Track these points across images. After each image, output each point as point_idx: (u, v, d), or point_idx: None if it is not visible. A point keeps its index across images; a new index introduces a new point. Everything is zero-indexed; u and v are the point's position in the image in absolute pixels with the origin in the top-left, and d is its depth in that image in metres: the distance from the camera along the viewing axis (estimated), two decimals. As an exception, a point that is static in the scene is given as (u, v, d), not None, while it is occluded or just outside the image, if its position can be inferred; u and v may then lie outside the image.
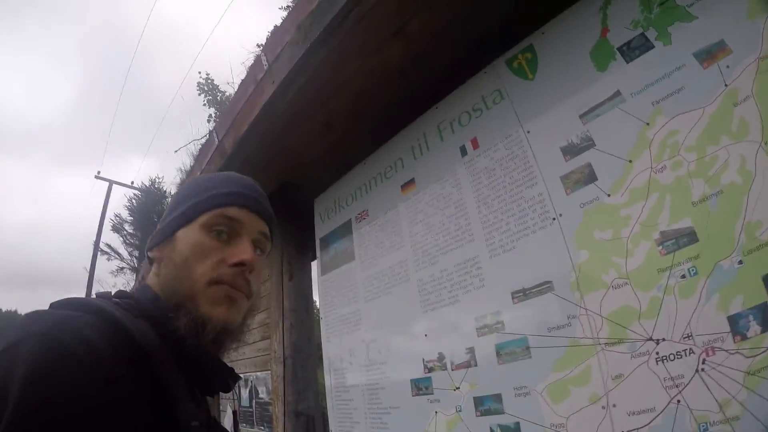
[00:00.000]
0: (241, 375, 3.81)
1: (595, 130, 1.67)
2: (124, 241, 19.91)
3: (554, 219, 1.71)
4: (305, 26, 2.03)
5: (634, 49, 1.61)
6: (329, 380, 2.67)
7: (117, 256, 19.89)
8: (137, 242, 19.37)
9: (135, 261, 19.45)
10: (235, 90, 2.83)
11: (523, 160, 1.88)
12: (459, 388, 1.90)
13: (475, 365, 1.87)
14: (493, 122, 2.04)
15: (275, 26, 2.53)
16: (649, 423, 1.35)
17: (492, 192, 1.97)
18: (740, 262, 1.27)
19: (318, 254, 3.00)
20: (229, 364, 0.93)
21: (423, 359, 2.09)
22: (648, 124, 1.53)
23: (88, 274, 19.93)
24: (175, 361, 0.74)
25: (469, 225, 2.03)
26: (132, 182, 21.59)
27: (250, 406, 3.79)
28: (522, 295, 1.76)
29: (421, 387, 2.09)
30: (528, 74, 1.93)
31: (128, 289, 1.01)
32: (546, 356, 1.63)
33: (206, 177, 1.01)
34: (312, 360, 2.98)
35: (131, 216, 19.71)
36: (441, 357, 2.01)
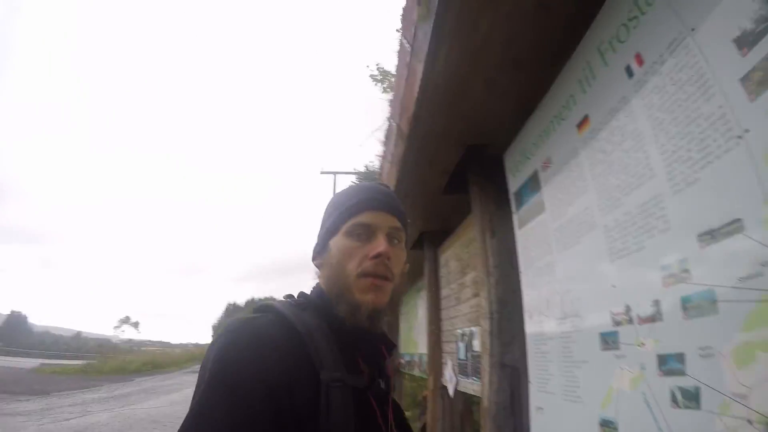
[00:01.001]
0: (460, 330, 4.25)
1: None
2: None
3: (740, 137, 1.37)
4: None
5: None
6: (529, 332, 2.71)
7: None
8: None
9: None
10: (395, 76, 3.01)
11: (694, 68, 1.54)
12: (644, 344, 1.73)
13: (661, 320, 1.67)
14: (653, 28, 1.73)
15: (402, 7, 2.57)
16: None
17: (667, 115, 1.67)
18: None
19: (514, 208, 3.01)
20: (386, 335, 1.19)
21: (611, 311, 1.95)
22: None
23: None
24: (335, 340, 1.00)
25: (648, 158, 1.77)
26: (354, 169, 24.05)
27: (465, 359, 4.09)
28: (709, 237, 1.48)
29: (608, 341, 1.97)
30: None
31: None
32: (734, 312, 1.37)
33: (342, 192, 1.24)
34: (518, 313, 2.97)
35: None
36: (627, 309, 1.84)
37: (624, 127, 1.91)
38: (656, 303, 1.69)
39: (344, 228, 1.12)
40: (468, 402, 5.59)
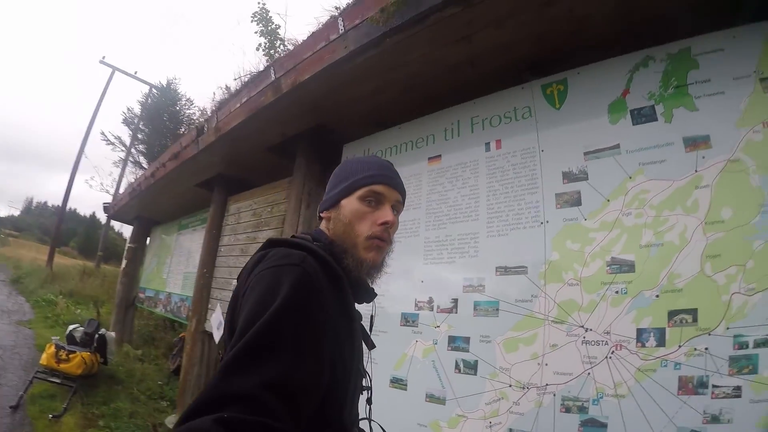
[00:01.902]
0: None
1: (591, 167, 2.30)
2: (132, 135, 20.01)
3: (542, 223, 2.38)
4: (388, 11, 2.48)
5: (642, 115, 2.22)
6: (374, 306, 3.22)
7: (123, 147, 20.23)
8: (144, 138, 19.54)
9: (139, 156, 19.62)
10: (303, 39, 3.26)
11: (531, 171, 2.50)
12: (439, 326, 2.61)
13: (456, 313, 2.57)
14: (517, 132, 2.63)
15: (358, -1, 2.91)
16: (566, 382, 2.11)
17: (501, 187, 2.59)
18: (657, 296, 1.98)
19: None
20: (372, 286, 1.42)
21: (416, 299, 2.78)
22: (630, 177, 2.17)
23: (75, 157, 21.29)
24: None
25: (478, 207, 2.66)
26: (136, 72, 21.57)
27: None
28: (503, 270, 2.44)
29: (408, 320, 2.79)
30: (556, 103, 2.52)
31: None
32: (508, 318, 2.35)
33: (357, 161, 1.42)
34: None
35: (143, 111, 19.72)
36: (430, 300, 2.70)
37: (468, 179, 2.77)
38: (455, 301, 2.59)
39: (359, 192, 1.32)
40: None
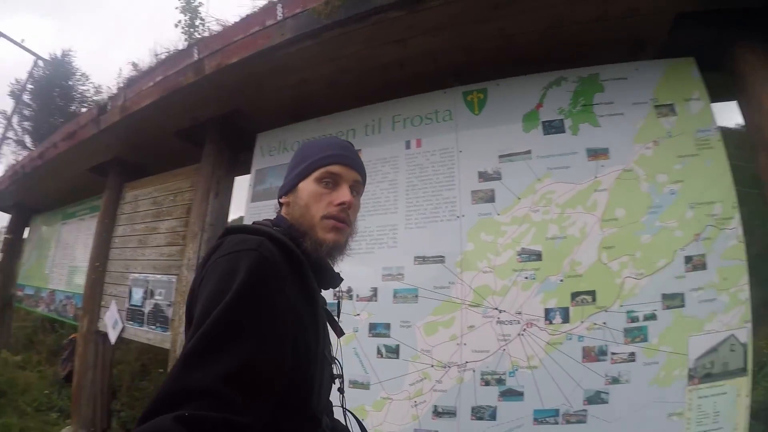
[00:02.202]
0: (140, 275, 4.19)
1: (505, 169, 2.56)
2: (14, 109, 17.38)
3: (458, 217, 2.59)
4: (333, 5, 2.51)
5: (552, 127, 2.54)
6: (340, 291, 3.12)
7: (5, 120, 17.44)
8: (33, 114, 17.07)
9: (24, 135, 17.12)
10: (235, 21, 3.14)
11: (449, 169, 2.71)
12: (359, 314, 2.71)
13: (376, 301, 2.69)
14: (438, 132, 2.83)
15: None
16: (484, 359, 2.34)
17: (420, 183, 2.77)
18: (561, 281, 2.30)
19: (252, 182, 3.53)
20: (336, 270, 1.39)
21: (332, 290, 2.87)
22: (539, 179, 2.46)
23: None
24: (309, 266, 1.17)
25: (397, 200, 2.81)
26: (23, 40, 18.63)
27: (142, 306, 4.13)
28: (422, 260, 2.61)
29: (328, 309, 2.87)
30: (475, 109, 2.75)
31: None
32: (428, 304, 2.52)
33: (315, 142, 1.40)
34: None
35: (33, 85, 17.09)
36: (349, 290, 2.79)
37: (387, 174, 2.91)
38: (374, 290, 2.71)
39: (315, 174, 1.29)
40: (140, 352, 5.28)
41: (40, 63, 17.18)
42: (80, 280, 5.29)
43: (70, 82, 16.90)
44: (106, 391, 4.93)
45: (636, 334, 2.19)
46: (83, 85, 17.11)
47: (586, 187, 2.41)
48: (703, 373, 2.13)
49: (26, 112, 17.00)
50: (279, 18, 2.76)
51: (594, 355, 2.21)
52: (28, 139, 16.68)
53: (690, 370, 2.14)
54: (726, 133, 2.40)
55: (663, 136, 2.40)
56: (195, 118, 3.81)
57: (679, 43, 2.54)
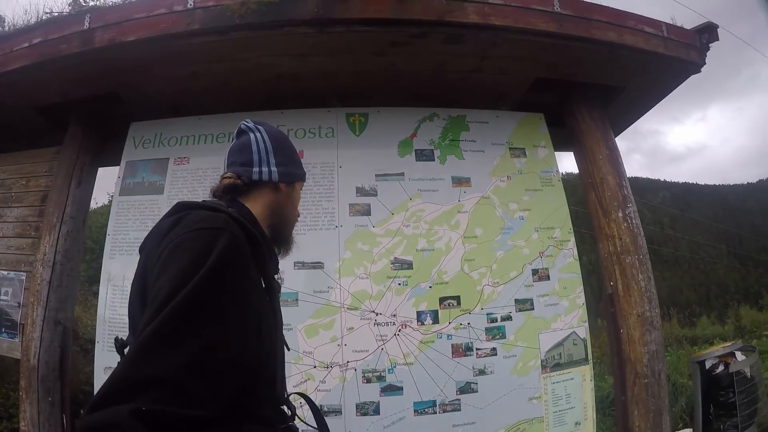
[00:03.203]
0: None
1: (380, 187, 2.73)
2: None
3: (336, 227, 2.68)
4: (249, 6, 2.40)
5: (424, 155, 2.79)
6: (104, 293, 2.82)
7: None
8: None
9: None
10: None
11: (330, 182, 2.79)
12: None
13: (255, 305, 2.64)
14: (319, 147, 2.89)
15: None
16: (364, 358, 2.45)
17: (301, 192, 2.79)
18: (430, 287, 2.52)
19: (121, 174, 3.10)
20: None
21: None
22: (411, 198, 2.68)
23: None
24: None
25: (281, 212, 2.81)
26: None
27: None
28: (301, 265, 2.63)
29: None
30: (356, 131, 2.89)
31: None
32: (308, 307, 2.55)
33: (293, 147, 1.41)
34: (76, 271, 3.05)
35: None
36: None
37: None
38: (254, 292, 2.65)
39: (300, 186, 1.40)
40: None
41: None
42: None
43: None
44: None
45: (496, 332, 2.50)
46: None
47: (450, 208, 2.68)
48: (553, 363, 2.53)
49: None
50: (189, 6, 2.54)
51: (462, 351, 2.46)
52: None
53: (542, 361, 2.52)
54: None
55: (515, 172, 2.81)
56: (66, 93, 3.17)
57: (533, 101, 3.00)
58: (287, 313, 2.45)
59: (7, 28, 3.13)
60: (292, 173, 1.33)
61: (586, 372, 2.55)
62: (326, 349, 2.48)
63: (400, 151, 2.82)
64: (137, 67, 2.85)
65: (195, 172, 2.96)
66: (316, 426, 1.38)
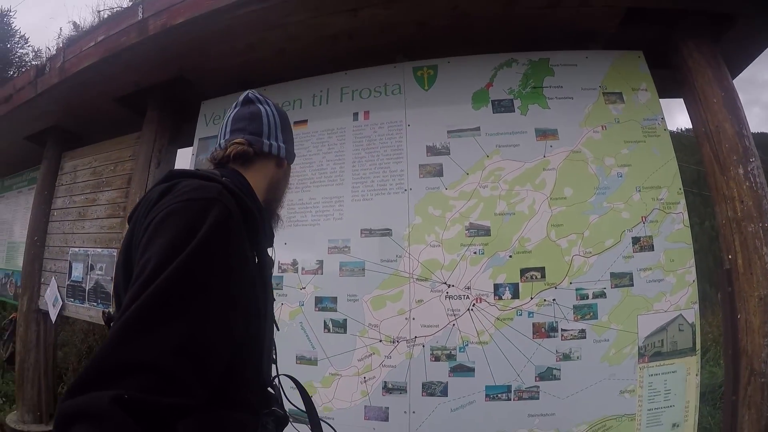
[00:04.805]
0: (80, 250, 3.58)
1: (453, 144, 2.29)
2: None
3: (406, 190, 2.29)
4: None
5: (502, 106, 2.29)
6: (274, 251, 2.78)
7: None
8: None
9: None
10: None
11: (398, 142, 2.40)
12: (305, 288, 2.36)
13: (321, 274, 2.35)
14: (386, 106, 2.50)
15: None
16: (434, 334, 2.08)
17: (367, 155, 2.44)
18: (510, 256, 2.06)
19: (194, 151, 3.06)
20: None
21: (278, 261, 2.47)
22: (488, 156, 2.21)
23: None
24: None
25: (343, 172, 2.47)
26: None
27: (82, 282, 3.50)
28: (368, 232, 2.30)
29: (273, 282, 2.46)
30: (425, 85, 2.45)
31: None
32: (375, 278, 2.22)
33: (290, 126, 1.29)
34: None
35: None
36: (294, 263, 2.43)
37: (334, 145, 2.55)
38: (320, 262, 2.37)
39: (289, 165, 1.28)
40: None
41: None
42: (19, 257, 4.46)
43: (8, 45, 14.62)
44: (51, 373, 4.14)
45: (585, 311, 1.99)
46: (22, 47, 14.86)
47: (534, 166, 2.18)
48: (653, 352, 1.98)
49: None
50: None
51: (544, 331, 1.99)
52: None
53: (640, 348, 1.98)
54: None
55: (611, 121, 2.22)
56: (137, 83, 3.24)
57: (629, 37, 2.37)
58: (354, 283, 2.17)
59: (77, 32, 3.29)
60: (293, 153, 1.29)
61: (691, 365, 1.97)
62: (393, 322, 2.14)
63: (475, 103, 2.33)
64: (193, 48, 2.78)
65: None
66: (304, 409, 1.28)
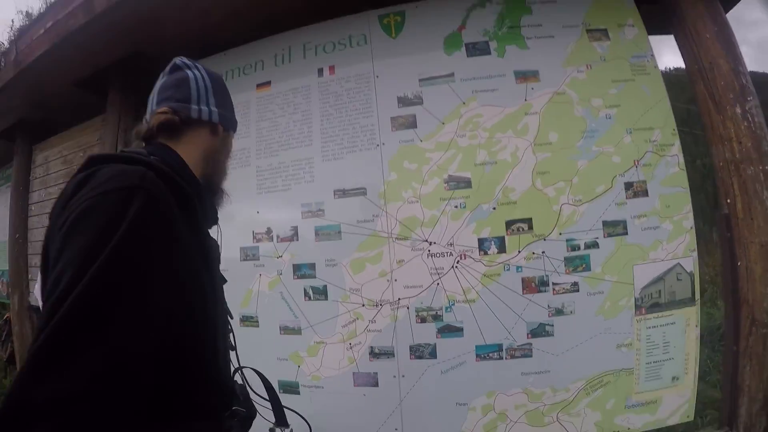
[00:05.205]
0: None
1: (426, 93, 2.08)
2: None
3: (378, 145, 2.09)
4: None
5: (477, 49, 2.06)
6: (219, 232, 2.58)
7: None
8: None
9: None
10: None
11: (366, 96, 2.18)
12: (281, 256, 2.17)
13: (297, 240, 2.16)
14: (352, 58, 2.27)
15: None
16: (418, 294, 1.92)
17: (335, 112, 2.23)
18: (494, 208, 1.88)
19: None
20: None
21: (253, 231, 2.28)
22: (464, 103, 2.01)
23: None
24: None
25: (311, 132, 2.26)
26: None
27: None
28: (342, 193, 2.11)
29: (249, 254, 2.28)
30: (392, 33, 2.21)
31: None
32: (352, 240, 2.03)
33: (227, 92, 1.14)
34: None
35: None
36: (269, 231, 2.24)
37: (299, 104, 2.33)
38: (295, 228, 2.17)
39: (232, 134, 1.13)
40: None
41: None
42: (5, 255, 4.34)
43: None
44: (52, 368, 3.98)
45: (578, 263, 1.83)
46: None
47: (515, 111, 1.97)
48: (651, 303, 1.83)
49: None
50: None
51: (534, 286, 1.83)
52: None
53: (636, 300, 1.83)
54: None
55: (596, 59, 2.02)
56: (95, 65, 3.01)
57: None
58: (331, 248, 1.94)
59: (29, 21, 3.14)
60: (230, 119, 1.11)
61: (691, 315, 1.81)
62: (375, 285, 1.97)
63: (447, 48, 2.11)
64: (144, 21, 2.57)
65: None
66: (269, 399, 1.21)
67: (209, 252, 0.87)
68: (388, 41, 2.21)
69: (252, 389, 1.12)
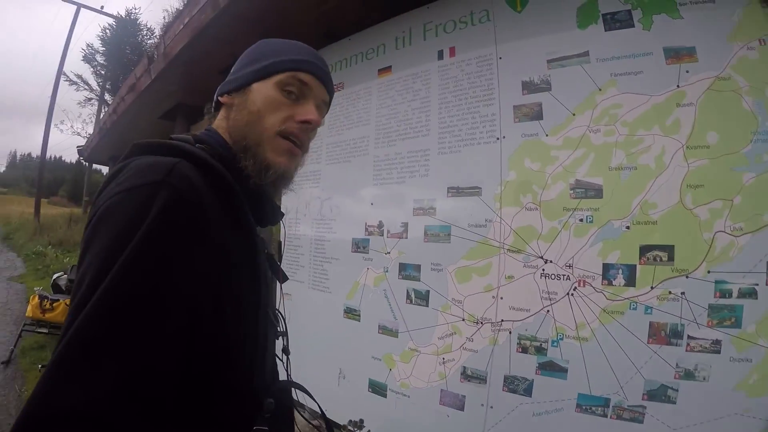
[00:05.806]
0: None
1: (555, 76, 1.73)
2: (95, 72, 17.37)
3: (498, 139, 1.83)
4: None
5: (616, 21, 1.62)
6: (283, 229, 2.72)
7: (86, 86, 17.64)
8: (108, 73, 16.79)
9: (104, 92, 17.14)
10: None
11: (488, 81, 1.91)
12: (389, 252, 2.12)
13: (406, 238, 2.07)
14: (473, 38, 1.99)
15: None
16: (523, 319, 1.68)
17: (454, 99, 2.01)
18: (627, 227, 1.51)
19: None
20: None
21: (365, 223, 2.26)
22: (600, 90, 1.62)
23: (49, 103, 17.25)
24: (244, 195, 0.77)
25: (428, 121, 2.08)
26: (102, 7, 18.21)
27: None
28: (456, 191, 1.93)
29: (359, 246, 2.28)
30: (518, 6, 1.87)
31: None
32: (461, 245, 1.87)
33: (281, 41, 0.94)
34: None
35: (104, 47, 16.95)
36: (380, 224, 2.19)
37: (419, 90, 2.15)
38: (405, 225, 2.08)
39: (279, 77, 0.86)
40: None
41: (113, 24, 16.97)
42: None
43: (139, 38, 16.70)
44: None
45: (726, 315, 1.34)
46: (149, 38, 16.66)
47: (664, 100, 1.51)
48: None
49: (102, 72, 17.20)
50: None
51: (664, 335, 1.42)
52: (109, 98, 16.77)
53: None
54: None
55: (773, 33, 1.44)
56: (233, 53, 3.03)
57: None
58: (438, 251, 1.84)
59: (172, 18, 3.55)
60: (244, 74, 0.89)
61: None
62: (478, 299, 1.78)
63: (581, 20, 1.70)
64: (268, 10, 2.58)
65: (348, 96, 2.50)
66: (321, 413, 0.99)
67: (253, 249, 0.77)
68: (513, 16, 1.88)
69: (295, 408, 0.98)
